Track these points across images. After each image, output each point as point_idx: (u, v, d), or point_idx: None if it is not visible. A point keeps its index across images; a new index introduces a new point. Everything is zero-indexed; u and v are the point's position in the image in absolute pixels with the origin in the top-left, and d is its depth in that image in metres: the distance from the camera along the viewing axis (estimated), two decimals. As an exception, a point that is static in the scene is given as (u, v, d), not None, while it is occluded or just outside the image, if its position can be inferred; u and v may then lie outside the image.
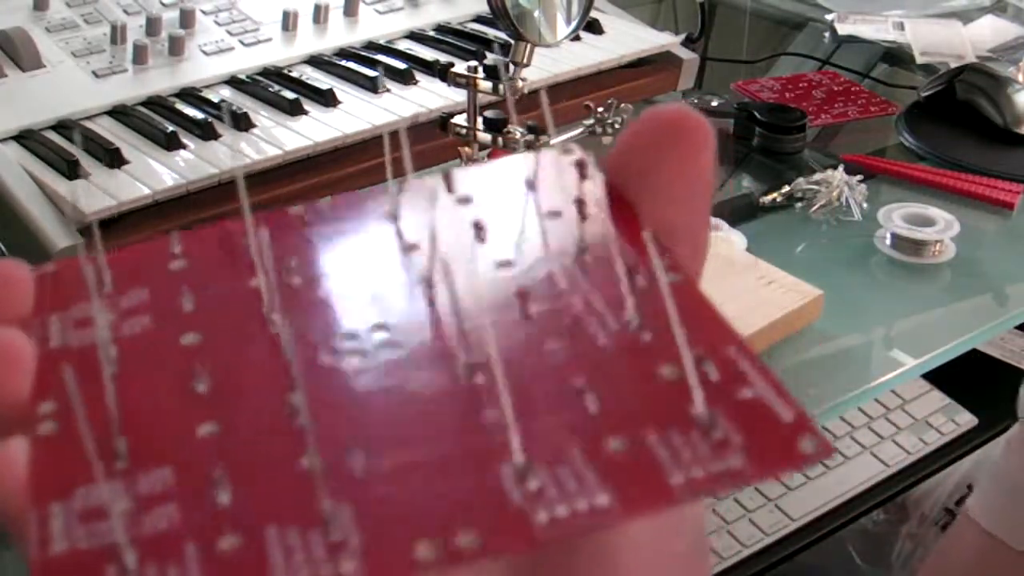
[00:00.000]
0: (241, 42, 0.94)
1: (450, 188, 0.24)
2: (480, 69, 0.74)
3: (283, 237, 0.23)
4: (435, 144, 0.84)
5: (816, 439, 0.17)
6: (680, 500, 0.17)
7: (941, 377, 0.98)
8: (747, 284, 0.72)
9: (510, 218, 0.23)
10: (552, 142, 0.77)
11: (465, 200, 0.23)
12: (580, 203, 0.22)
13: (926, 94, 1.04)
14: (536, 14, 0.73)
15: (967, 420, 0.98)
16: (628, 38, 1.04)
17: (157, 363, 0.20)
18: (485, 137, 0.76)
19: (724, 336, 0.19)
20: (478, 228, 0.22)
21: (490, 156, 0.76)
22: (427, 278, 0.21)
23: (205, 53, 0.91)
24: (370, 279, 0.22)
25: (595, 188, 0.22)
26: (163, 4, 0.94)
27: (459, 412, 0.18)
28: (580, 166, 0.23)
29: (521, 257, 0.22)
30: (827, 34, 1.25)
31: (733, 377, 0.18)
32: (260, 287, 0.21)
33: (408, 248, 0.22)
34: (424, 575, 0.16)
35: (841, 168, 0.90)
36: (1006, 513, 0.74)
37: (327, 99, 0.87)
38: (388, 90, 0.90)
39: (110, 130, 0.81)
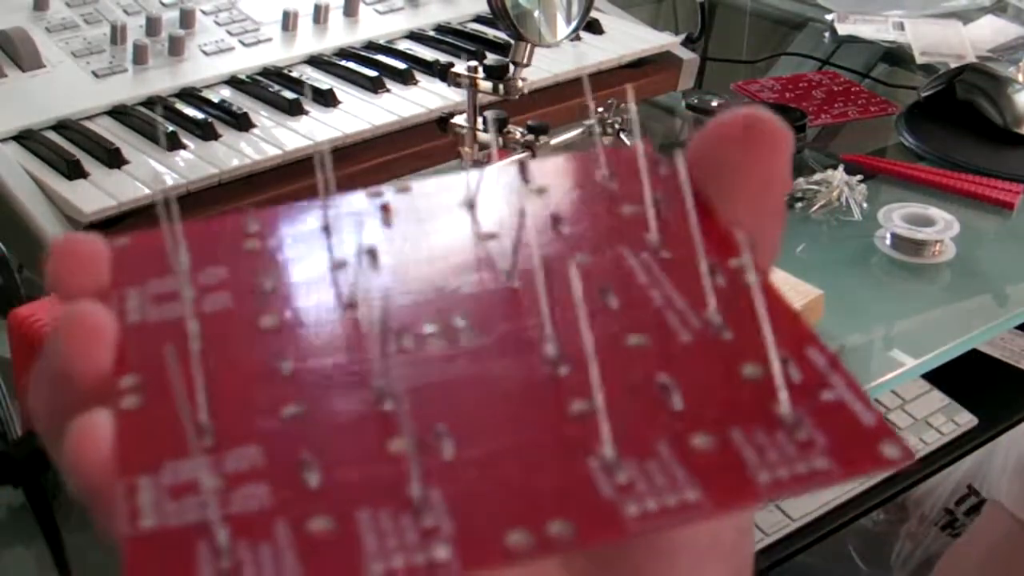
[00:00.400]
0: (241, 42, 0.94)
1: (526, 178, 0.23)
2: (480, 69, 0.74)
3: (357, 209, 0.23)
4: (435, 144, 0.84)
5: (898, 445, 0.17)
6: (766, 498, 0.17)
7: (941, 377, 0.98)
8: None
9: (586, 211, 0.23)
10: (552, 142, 0.77)
11: (541, 191, 0.23)
12: (656, 198, 0.22)
13: (926, 94, 1.04)
14: (536, 14, 0.73)
15: (967, 420, 0.98)
16: (628, 38, 1.04)
17: (240, 342, 0.20)
18: (485, 137, 0.76)
19: (805, 337, 0.19)
20: (556, 220, 0.22)
21: (490, 157, 0.76)
22: (509, 269, 0.21)
23: (205, 53, 0.91)
24: (449, 263, 0.22)
25: (672, 183, 0.22)
26: (163, 4, 0.94)
27: (547, 402, 0.18)
28: (654, 162, 0.23)
29: (600, 251, 0.22)
30: (827, 34, 1.25)
31: (815, 379, 0.18)
32: (342, 268, 0.21)
33: (486, 237, 0.22)
34: (516, 563, 0.16)
35: (841, 168, 0.90)
36: None
37: (327, 99, 0.87)
38: (388, 90, 0.90)
39: (110, 130, 0.81)
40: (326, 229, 0.23)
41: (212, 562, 0.16)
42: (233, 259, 0.22)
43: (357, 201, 0.24)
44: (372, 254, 0.22)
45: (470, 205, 0.23)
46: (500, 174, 0.24)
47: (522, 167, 0.23)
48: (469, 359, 0.19)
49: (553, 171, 0.24)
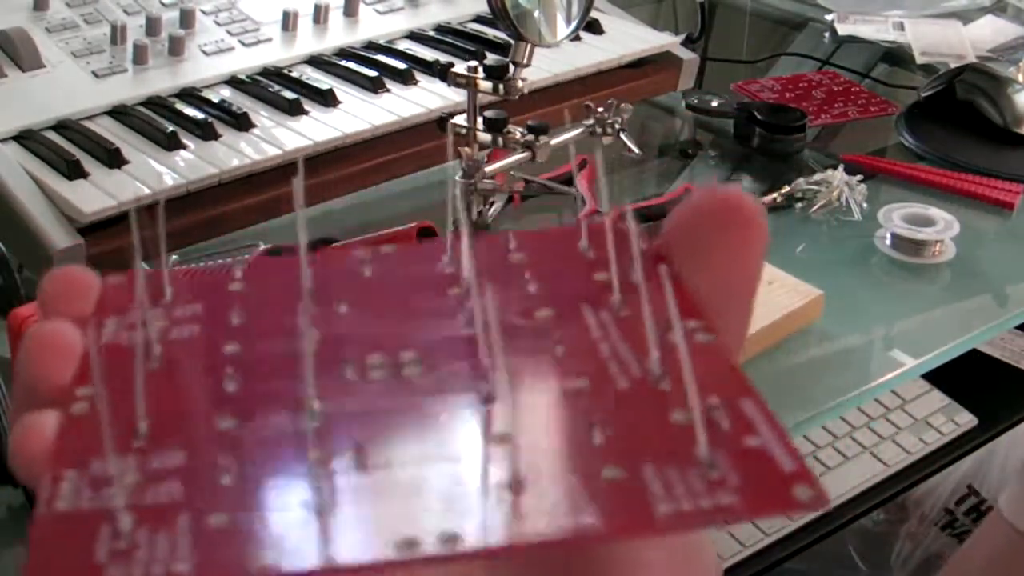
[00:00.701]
0: (241, 42, 0.94)
1: (507, 247, 0.25)
2: (480, 69, 0.74)
3: (338, 269, 0.25)
4: (435, 144, 0.84)
5: (813, 490, 0.18)
6: (666, 528, 0.18)
7: (941, 377, 0.98)
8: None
9: (558, 275, 0.24)
10: (552, 142, 0.77)
11: (517, 251, 0.25)
12: (625, 266, 0.23)
13: (926, 94, 1.04)
14: (536, 14, 0.73)
15: (967, 420, 0.98)
16: (628, 38, 1.04)
17: (196, 365, 0.23)
18: (485, 137, 0.76)
19: (742, 391, 0.20)
20: (523, 276, 0.24)
21: (490, 157, 0.76)
22: (467, 316, 0.23)
23: (205, 53, 0.91)
24: (412, 309, 0.24)
25: (642, 253, 0.24)
26: (163, 4, 0.94)
27: (469, 429, 0.20)
28: (635, 233, 0.24)
29: (560, 308, 0.23)
30: (827, 34, 1.25)
31: (743, 427, 0.19)
32: (304, 309, 0.23)
33: (452, 284, 0.24)
34: (397, 567, 0.17)
35: (841, 168, 0.90)
36: None
37: (327, 99, 0.87)
38: (388, 90, 0.90)
39: (110, 130, 0.81)
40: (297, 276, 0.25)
41: (110, 542, 0.18)
42: (212, 298, 0.25)
43: (339, 259, 0.26)
44: (327, 296, 0.24)
45: (447, 266, 0.25)
46: (483, 243, 0.26)
47: (505, 238, 0.26)
48: (407, 391, 0.21)
49: (536, 241, 0.26)
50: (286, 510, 0.18)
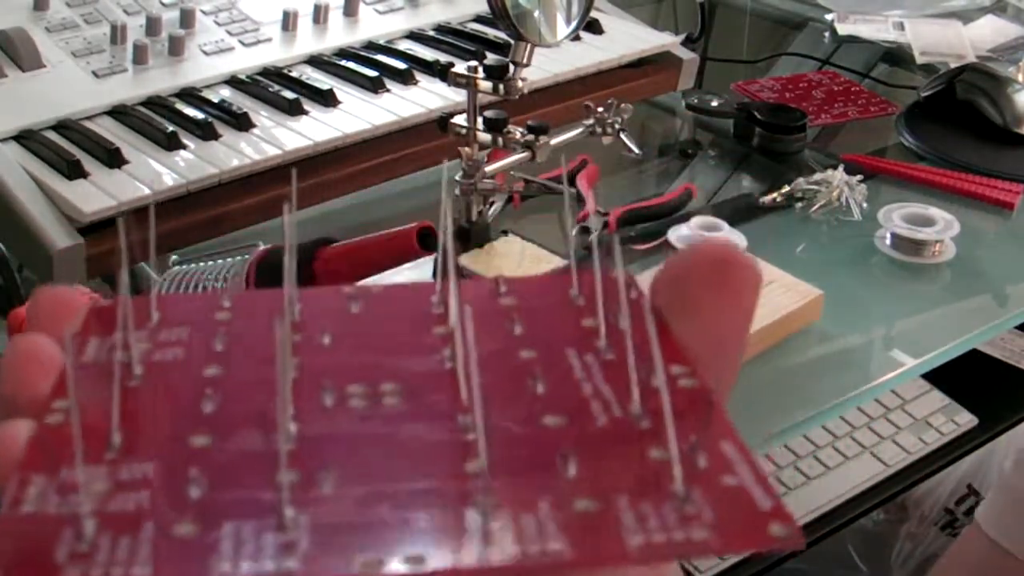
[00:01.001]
0: (241, 42, 0.94)
1: (497, 290, 0.26)
2: (480, 69, 0.74)
3: (327, 303, 0.26)
4: (435, 144, 0.84)
5: (788, 528, 0.18)
6: (637, 559, 0.18)
7: (941, 377, 0.98)
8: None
9: (546, 319, 0.25)
10: (552, 142, 0.77)
11: (507, 295, 0.26)
12: (615, 312, 0.24)
13: (926, 94, 1.04)
14: (536, 14, 0.73)
15: (967, 420, 0.98)
16: (628, 38, 1.04)
17: (176, 385, 0.23)
18: (485, 137, 0.76)
19: (724, 433, 0.20)
20: (510, 318, 0.25)
21: (490, 156, 0.76)
22: (449, 353, 0.23)
23: (205, 53, 0.91)
24: (397, 343, 0.24)
25: (632, 302, 0.24)
26: (163, 4, 0.94)
27: (445, 459, 0.20)
28: (628, 283, 0.25)
29: (545, 349, 0.23)
30: (827, 34, 1.25)
31: (721, 466, 0.19)
32: (283, 335, 0.23)
33: (439, 324, 0.25)
34: None
35: (841, 168, 0.90)
36: (1014, 524, 0.74)
37: (327, 99, 0.87)
38: (388, 90, 0.90)
39: (110, 130, 0.81)
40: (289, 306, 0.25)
41: (71, 544, 0.18)
42: (199, 323, 0.25)
43: (328, 297, 0.26)
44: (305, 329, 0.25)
45: (436, 306, 0.26)
46: (474, 285, 0.26)
47: (496, 282, 0.26)
48: (383, 420, 0.21)
49: (526, 286, 0.26)
50: (252, 524, 0.18)
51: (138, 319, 0.25)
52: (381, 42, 0.98)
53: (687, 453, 0.20)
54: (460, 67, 0.75)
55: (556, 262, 0.74)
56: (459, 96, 0.81)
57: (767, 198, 0.89)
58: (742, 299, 0.23)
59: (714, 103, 1.03)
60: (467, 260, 0.75)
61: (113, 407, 0.21)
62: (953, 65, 1.09)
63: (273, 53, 0.94)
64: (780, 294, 0.72)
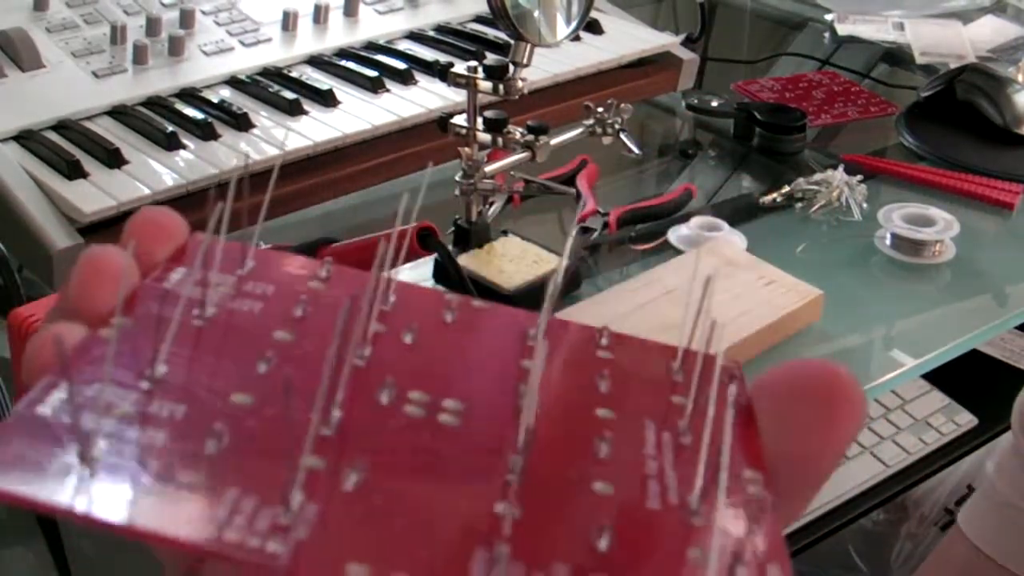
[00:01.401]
0: (241, 42, 0.94)
1: (598, 341, 0.25)
2: (480, 69, 0.74)
3: (423, 304, 0.25)
4: (435, 144, 0.84)
5: None
6: None
7: (941, 377, 0.98)
8: (747, 284, 0.72)
9: (638, 385, 0.24)
10: (552, 142, 0.77)
11: (607, 349, 0.25)
12: (707, 399, 0.22)
13: (926, 94, 1.04)
14: (536, 14, 0.72)
15: (967, 420, 0.98)
16: (628, 38, 1.04)
17: (241, 339, 0.22)
18: (485, 137, 0.76)
19: (775, 555, 0.19)
20: (600, 372, 0.23)
21: (490, 157, 0.76)
22: (526, 390, 0.22)
23: (205, 53, 0.91)
24: (475, 367, 0.23)
25: (727, 389, 0.23)
26: (163, 4, 0.94)
27: (474, 490, 0.19)
28: (731, 375, 0.24)
29: (625, 414, 0.22)
30: (827, 34, 1.25)
31: None
32: (363, 323, 0.23)
33: (527, 355, 0.24)
34: None
35: (841, 168, 0.90)
36: (994, 528, 0.74)
37: (327, 99, 0.87)
38: (388, 90, 0.90)
39: (110, 130, 0.81)
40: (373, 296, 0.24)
41: (67, 460, 0.18)
42: (287, 285, 0.25)
43: (426, 298, 0.25)
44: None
45: (531, 336, 0.24)
46: (576, 329, 0.25)
47: (601, 333, 0.25)
48: (432, 434, 0.20)
49: (629, 344, 0.25)
50: (255, 498, 0.18)
51: (229, 263, 0.24)
52: (381, 42, 0.98)
53: (730, 564, 0.18)
54: (460, 67, 0.75)
55: (556, 262, 0.74)
56: (459, 96, 0.81)
57: (767, 198, 0.89)
58: (842, 433, 0.21)
59: (714, 103, 1.03)
60: (467, 260, 0.75)
61: (167, 340, 0.21)
62: (953, 65, 1.09)
63: (273, 53, 0.94)
64: (780, 294, 0.72)
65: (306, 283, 0.25)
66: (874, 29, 1.23)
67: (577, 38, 0.95)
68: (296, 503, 0.18)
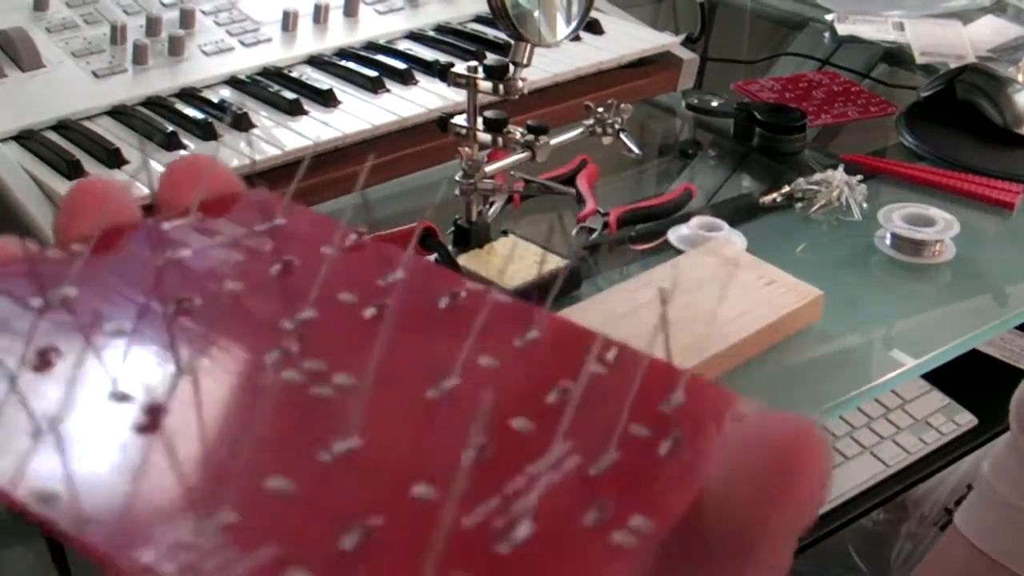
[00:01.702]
0: (241, 42, 0.94)
1: (601, 357, 0.23)
2: (480, 69, 0.74)
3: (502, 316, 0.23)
4: (435, 144, 0.84)
5: None
6: None
7: (941, 377, 0.98)
8: (747, 284, 0.72)
9: (615, 393, 0.22)
10: (552, 142, 0.77)
11: (599, 362, 0.23)
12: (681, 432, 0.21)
13: (926, 94, 1.04)
14: (536, 14, 0.73)
15: (967, 420, 0.98)
16: (628, 38, 1.04)
17: (249, 291, 0.23)
18: (485, 137, 0.76)
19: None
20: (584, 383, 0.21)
21: (490, 156, 0.76)
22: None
23: (205, 53, 0.91)
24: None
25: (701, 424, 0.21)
26: (163, 4, 0.94)
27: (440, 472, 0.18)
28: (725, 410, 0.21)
29: (589, 411, 0.21)
30: (827, 34, 1.25)
31: None
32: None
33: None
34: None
35: (841, 168, 0.90)
36: (992, 526, 0.74)
37: (327, 99, 0.87)
38: (388, 90, 0.90)
39: (110, 130, 0.81)
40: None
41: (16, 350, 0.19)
42: (317, 245, 0.25)
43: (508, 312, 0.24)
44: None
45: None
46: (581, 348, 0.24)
47: (605, 346, 0.23)
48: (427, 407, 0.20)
49: (623, 361, 0.23)
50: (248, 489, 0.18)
51: (263, 214, 0.25)
52: (381, 42, 0.98)
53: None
54: (460, 67, 0.75)
55: (556, 262, 0.74)
56: (459, 96, 0.81)
57: (767, 198, 0.89)
58: (796, 508, 0.19)
59: (714, 103, 1.03)
60: (466, 260, 0.75)
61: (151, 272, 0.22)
62: (953, 65, 1.09)
63: (273, 53, 0.94)
64: (780, 294, 0.72)
65: (319, 249, 0.25)
66: (874, 29, 1.23)
67: (577, 38, 0.95)
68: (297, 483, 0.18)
